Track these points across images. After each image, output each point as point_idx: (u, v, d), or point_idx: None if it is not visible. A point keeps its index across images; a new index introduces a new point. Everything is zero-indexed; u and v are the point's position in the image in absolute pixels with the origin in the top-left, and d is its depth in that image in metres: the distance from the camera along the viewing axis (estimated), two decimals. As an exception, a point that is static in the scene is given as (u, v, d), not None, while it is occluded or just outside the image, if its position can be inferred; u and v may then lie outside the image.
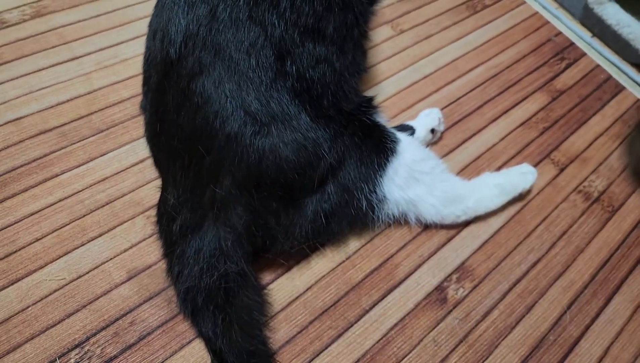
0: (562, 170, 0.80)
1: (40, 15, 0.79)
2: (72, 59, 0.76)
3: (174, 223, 0.56)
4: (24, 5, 0.80)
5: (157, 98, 0.58)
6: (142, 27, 0.81)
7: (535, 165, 0.79)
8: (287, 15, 0.55)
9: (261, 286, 0.60)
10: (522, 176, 0.73)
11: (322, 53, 0.58)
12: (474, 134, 0.81)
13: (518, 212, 0.74)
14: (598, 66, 0.96)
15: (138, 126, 0.72)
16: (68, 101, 0.72)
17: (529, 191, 0.75)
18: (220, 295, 0.54)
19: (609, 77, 0.95)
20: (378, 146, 0.62)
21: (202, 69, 0.53)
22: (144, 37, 0.80)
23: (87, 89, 0.74)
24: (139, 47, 0.79)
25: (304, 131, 0.55)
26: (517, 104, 0.86)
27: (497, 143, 0.81)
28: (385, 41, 0.90)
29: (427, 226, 0.70)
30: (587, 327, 0.65)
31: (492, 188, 0.71)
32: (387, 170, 0.61)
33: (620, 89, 0.94)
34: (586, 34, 1.01)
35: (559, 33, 1.00)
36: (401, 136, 0.65)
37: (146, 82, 0.63)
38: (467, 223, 0.71)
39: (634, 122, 0.87)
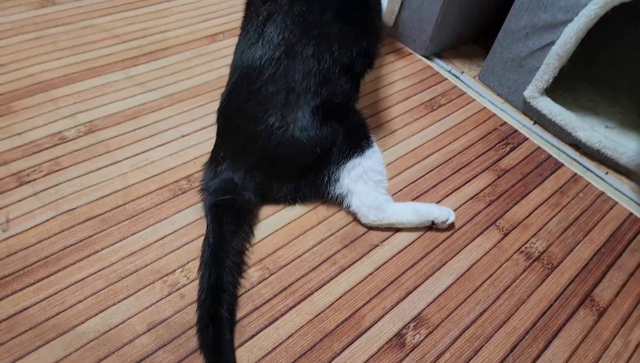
0: (506, 235, 0.96)
1: (92, 132, 1.05)
2: (114, 163, 0.99)
3: (219, 166, 0.89)
4: (80, 125, 1.06)
5: (236, 86, 0.89)
6: (167, 136, 1.06)
7: (482, 232, 0.95)
8: (335, 55, 0.86)
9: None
10: (439, 209, 0.92)
11: (348, 85, 0.89)
12: (430, 208, 0.98)
13: (467, 270, 0.89)
14: (539, 147, 1.15)
15: (161, 212, 0.92)
16: (109, 194, 0.94)
17: (445, 226, 0.93)
18: (239, 210, 0.86)
19: (549, 157, 1.13)
20: (356, 142, 0.88)
21: (273, 81, 0.84)
22: (169, 144, 1.04)
23: (124, 185, 0.96)
24: (164, 151, 1.03)
25: (309, 133, 0.84)
26: (467, 182, 1.04)
27: (450, 214, 0.98)
28: (359, 137, 1.12)
29: (390, 283, 0.85)
30: (526, 366, 0.76)
31: (409, 208, 0.92)
32: (348, 163, 0.87)
33: (559, 165, 1.12)
34: (528, 122, 1.22)
35: (504, 123, 1.21)
36: (374, 142, 0.91)
37: (228, 81, 0.94)
38: (423, 281, 0.86)
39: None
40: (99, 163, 0.99)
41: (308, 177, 0.89)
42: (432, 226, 0.94)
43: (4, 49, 1.20)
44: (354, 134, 0.87)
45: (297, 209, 0.94)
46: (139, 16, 1.38)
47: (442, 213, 0.91)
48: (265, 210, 0.94)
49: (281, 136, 0.84)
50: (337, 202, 0.92)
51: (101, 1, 1.41)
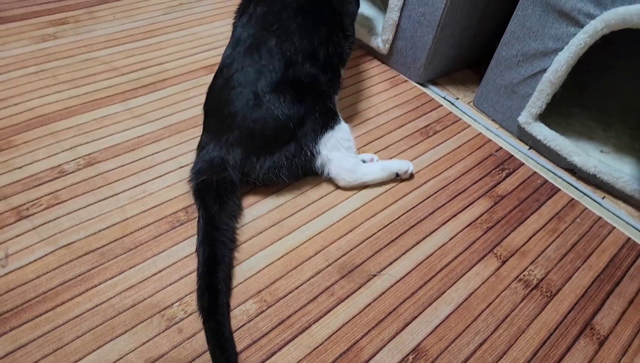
0: (504, 262, 0.96)
1: (91, 165, 1.06)
2: (112, 196, 1.00)
3: (204, 149, 0.97)
4: (79, 158, 1.07)
5: (213, 82, 1.03)
6: (166, 168, 1.07)
7: (480, 259, 0.95)
8: (297, 45, 0.98)
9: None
10: (401, 162, 1.08)
11: (312, 71, 1.00)
12: (427, 236, 0.98)
13: (466, 299, 0.88)
14: (535, 173, 1.16)
15: (159, 244, 0.92)
16: (107, 228, 0.94)
17: (408, 175, 1.10)
18: (219, 187, 0.93)
19: (545, 182, 1.14)
20: (326, 121, 1.00)
21: (242, 68, 0.96)
22: (167, 175, 1.05)
23: (122, 218, 0.96)
24: (162, 183, 1.04)
25: (282, 109, 0.95)
26: (463, 209, 1.05)
27: (447, 242, 0.98)
28: (356, 164, 1.13)
29: (388, 314, 0.85)
30: (523, 397, 0.76)
31: (377, 167, 1.07)
32: (323, 138, 1.00)
33: (555, 190, 1.12)
34: (523, 147, 1.23)
35: (500, 148, 1.22)
36: (342, 120, 1.04)
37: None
38: (421, 311, 0.86)
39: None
40: (98, 195, 0.99)
41: (285, 151, 0.97)
42: (397, 179, 1.09)
43: (5, 83, 1.23)
44: (326, 115, 1.01)
45: (294, 240, 0.95)
46: (138, 48, 1.40)
47: (402, 165, 1.08)
48: (262, 241, 0.94)
49: (257, 113, 0.94)
50: (320, 173, 1.03)
51: (100, 34, 1.44)
